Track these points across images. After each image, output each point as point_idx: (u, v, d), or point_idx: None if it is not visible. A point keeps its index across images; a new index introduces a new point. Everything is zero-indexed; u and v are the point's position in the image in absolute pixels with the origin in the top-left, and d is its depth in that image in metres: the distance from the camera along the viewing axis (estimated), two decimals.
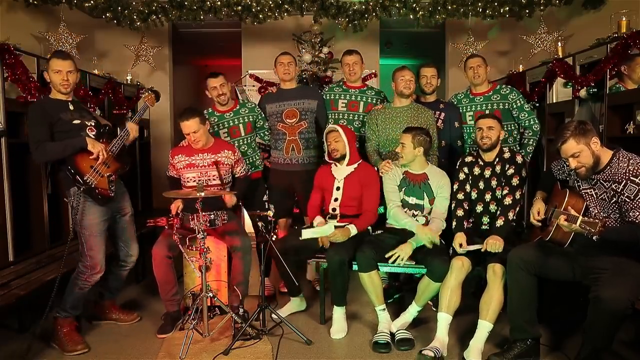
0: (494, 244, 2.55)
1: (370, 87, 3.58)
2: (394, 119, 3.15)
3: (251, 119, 3.43)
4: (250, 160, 3.43)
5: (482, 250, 2.59)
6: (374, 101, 3.45)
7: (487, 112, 3.25)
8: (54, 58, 2.62)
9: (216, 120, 3.39)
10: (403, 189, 2.91)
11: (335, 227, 2.90)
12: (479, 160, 2.85)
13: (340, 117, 3.48)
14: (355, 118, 3.44)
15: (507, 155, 2.79)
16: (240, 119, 3.41)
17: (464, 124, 3.37)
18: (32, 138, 2.55)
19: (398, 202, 2.92)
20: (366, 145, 3.30)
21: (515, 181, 2.71)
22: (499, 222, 2.66)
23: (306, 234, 2.89)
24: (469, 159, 2.89)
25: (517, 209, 2.71)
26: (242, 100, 3.56)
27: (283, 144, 3.41)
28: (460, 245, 2.63)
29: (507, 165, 2.76)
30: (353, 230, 2.88)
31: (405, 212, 2.88)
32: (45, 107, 2.60)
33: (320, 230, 2.88)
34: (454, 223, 2.79)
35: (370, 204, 2.97)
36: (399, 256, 2.68)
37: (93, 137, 2.65)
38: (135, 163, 5.16)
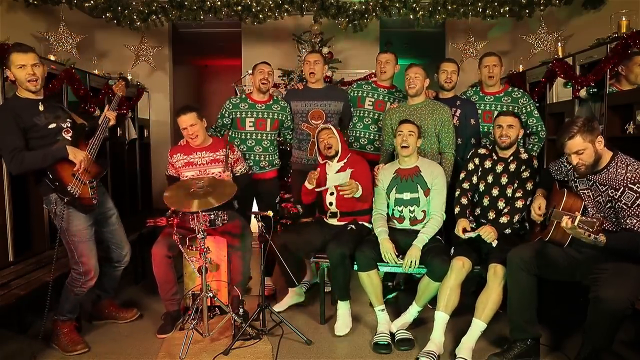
0: (488, 232, 2.56)
1: (398, 89, 3.52)
2: (409, 117, 3.09)
3: (280, 118, 3.41)
4: (270, 158, 3.41)
5: (476, 234, 2.60)
6: (401, 102, 3.39)
7: (496, 112, 3.23)
8: (14, 52, 2.38)
9: (247, 107, 3.36)
10: (395, 188, 2.89)
11: (339, 220, 2.94)
12: (493, 154, 2.83)
13: (366, 115, 3.46)
14: (381, 118, 3.40)
15: (524, 156, 2.76)
16: (270, 114, 3.37)
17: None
18: (5, 147, 2.33)
19: (383, 209, 2.92)
20: (381, 148, 3.31)
21: (529, 186, 2.69)
22: (503, 219, 2.66)
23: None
24: (482, 151, 2.87)
25: (524, 213, 2.71)
26: (276, 97, 3.52)
27: (307, 144, 3.41)
28: (464, 231, 2.64)
29: (523, 167, 2.73)
30: (360, 189, 2.89)
31: (402, 211, 2.88)
32: (17, 111, 2.37)
33: (337, 177, 2.90)
34: (457, 209, 2.79)
35: (364, 184, 2.95)
36: (411, 262, 2.66)
37: (70, 138, 2.51)
38: (135, 163, 5.17)
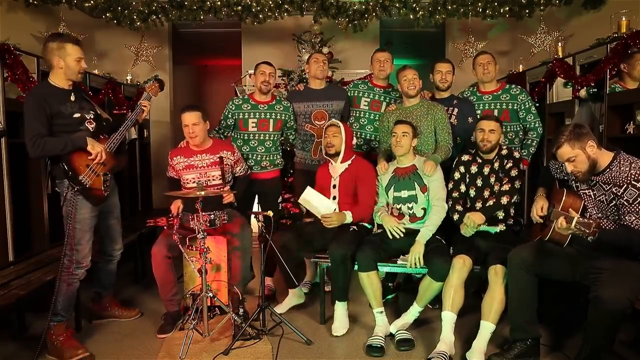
0: (471, 218, 2.64)
1: (395, 88, 3.50)
2: (407, 118, 3.10)
3: (283, 118, 3.39)
4: (272, 158, 3.40)
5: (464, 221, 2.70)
6: (397, 102, 3.41)
7: (496, 111, 3.24)
8: (72, 44, 2.49)
9: (249, 107, 3.35)
10: (393, 186, 2.92)
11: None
12: (477, 158, 2.85)
13: (362, 115, 3.46)
14: (377, 118, 3.40)
15: (504, 152, 2.82)
16: (273, 114, 3.36)
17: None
18: (29, 131, 2.40)
19: (383, 205, 2.98)
20: (378, 147, 3.31)
21: (514, 172, 2.75)
22: (490, 202, 2.71)
23: (308, 195, 2.98)
24: (465, 157, 2.89)
25: (514, 198, 2.72)
26: (279, 97, 3.51)
27: (311, 145, 3.41)
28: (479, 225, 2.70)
29: (505, 160, 2.79)
30: (349, 217, 2.91)
31: (400, 208, 2.89)
32: (45, 97, 2.44)
33: (321, 202, 2.93)
34: (456, 217, 2.79)
35: (365, 197, 2.98)
36: (415, 258, 2.67)
37: (92, 130, 2.57)
38: (135, 163, 5.16)
